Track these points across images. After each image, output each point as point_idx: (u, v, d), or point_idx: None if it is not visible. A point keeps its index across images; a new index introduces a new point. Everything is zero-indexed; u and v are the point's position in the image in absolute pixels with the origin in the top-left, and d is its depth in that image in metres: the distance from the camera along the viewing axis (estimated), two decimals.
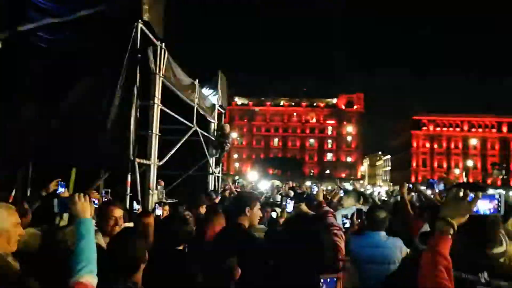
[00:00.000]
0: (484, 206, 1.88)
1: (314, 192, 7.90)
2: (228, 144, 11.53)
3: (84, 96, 5.58)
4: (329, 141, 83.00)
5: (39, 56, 5.63)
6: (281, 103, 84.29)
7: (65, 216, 4.01)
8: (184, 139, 8.73)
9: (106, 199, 4.84)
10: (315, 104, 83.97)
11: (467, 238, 2.04)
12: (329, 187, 22.66)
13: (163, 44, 6.72)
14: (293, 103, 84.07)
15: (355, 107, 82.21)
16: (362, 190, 12.93)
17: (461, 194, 1.86)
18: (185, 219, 3.35)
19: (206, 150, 10.58)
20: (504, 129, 74.95)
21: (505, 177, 65.59)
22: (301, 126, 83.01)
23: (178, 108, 8.45)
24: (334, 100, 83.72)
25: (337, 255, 2.15)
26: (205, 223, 4.26)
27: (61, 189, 4.64)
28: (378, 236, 4.08)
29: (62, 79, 5.58)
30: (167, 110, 7.46)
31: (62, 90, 5.53)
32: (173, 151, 8.07)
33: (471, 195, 1.85)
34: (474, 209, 1.86)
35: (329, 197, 7.05)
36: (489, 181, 64.44)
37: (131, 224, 4.12)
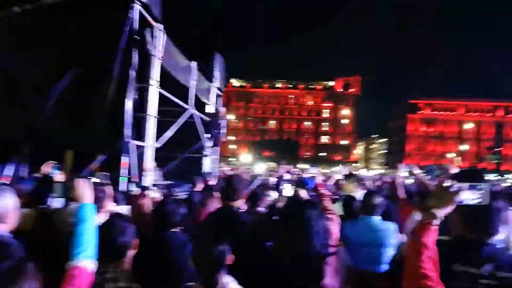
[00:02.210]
0: (468, 197, 1.92)
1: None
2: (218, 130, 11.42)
3: (81, 78, 5.56)
4: (325, 124, 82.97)
5: (37, 36, 5.59)
6: (278, 86, 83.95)
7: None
8: (181, 121, 8.74)
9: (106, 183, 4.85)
10: (311, 87, 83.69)
11: (466, 229, 2.08)
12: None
13: (162, 26, 6.68)
14: (290, 86, 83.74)
15: (352, 90, 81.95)
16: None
17: (445, 185, 1.90)
18: (177, 200, 3.38)
19: (202, 132, 10.59)
20: (499, 113, 75.14)
21: (499, 161, 66.10)
22: (297, 108, 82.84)
23: (175, 89, 8.44)
24: (331, 83, 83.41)
25: (327, 241, 2.19)
26: (199, 205, 4.30)
27: (55, 172, 4.64)
28: (371, 220, 4.15)
29: (59, 61, 5.55)
30: (164, 92, 7.45)
31: (59, 72, 5.50)
32: (169, 133, 8.08)
33: (456, 186, 1.88)
34: (459, 200, 1.88)
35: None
36: (483, 165, 64.92)
37: (126, 207, 4.15)
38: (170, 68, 7.51)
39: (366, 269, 3.85)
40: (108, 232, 2.44)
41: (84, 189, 2.39)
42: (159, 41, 6.72)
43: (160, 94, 7.29)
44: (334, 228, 2.94)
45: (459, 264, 1.96)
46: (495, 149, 63.48)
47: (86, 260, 2.10)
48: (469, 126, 72.48)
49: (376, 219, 4.17)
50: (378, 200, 4.23)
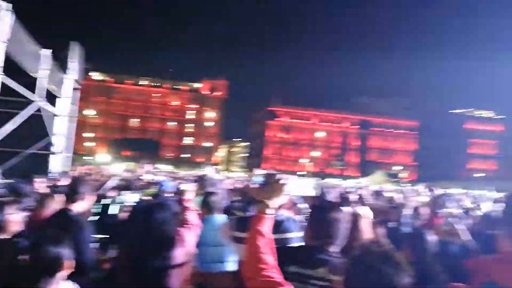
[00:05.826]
0: (298, 189, 2.23)
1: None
2: None
3: None
4: (190, 125, 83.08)
5: None
6: (143, 83, 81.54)
7: None
8: (25, 114, 7.95)
9: None
10: (178, 87, 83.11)
11: (312, 238, 2.36)
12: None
13: (10, 5, 6.01)
14: (155, 84, 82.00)
15: (218, 93, 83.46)
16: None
17: (275, 178, 2.15)
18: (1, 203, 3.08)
19: (50, 126, 9.78)
20: (345, 124, 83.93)
21: (343, 167, 73.78)
22: (162, 108, 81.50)
23: (22, 78, 7.67)
24: (198, 85, 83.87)
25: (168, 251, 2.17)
26: (38, 207, 3.99)
27: None
28: (213, 219, 4.26)
29: None
30: (8, 80, 6.72)
31: None
32: (12, 127, 7.30)
33: (284, 178, 2.14)
34: (287, 191, 2.15)
35: None
36: (329, 170, 71.71)
37: None
38: (16, 53, 6.78)
39: (210, 270, 3.92)
40: None
41: None
42: (5, 22, 6.05)
43: (3, 83, 6.56)
44: (190, 237, 2.94)
45: (294, 266, 2.18)
46: (341, 156, 70.75)
47: None
48: (320, 134, 79.17)
49: (218, 218, 4.29)
50: (215, 199, 4.38)
